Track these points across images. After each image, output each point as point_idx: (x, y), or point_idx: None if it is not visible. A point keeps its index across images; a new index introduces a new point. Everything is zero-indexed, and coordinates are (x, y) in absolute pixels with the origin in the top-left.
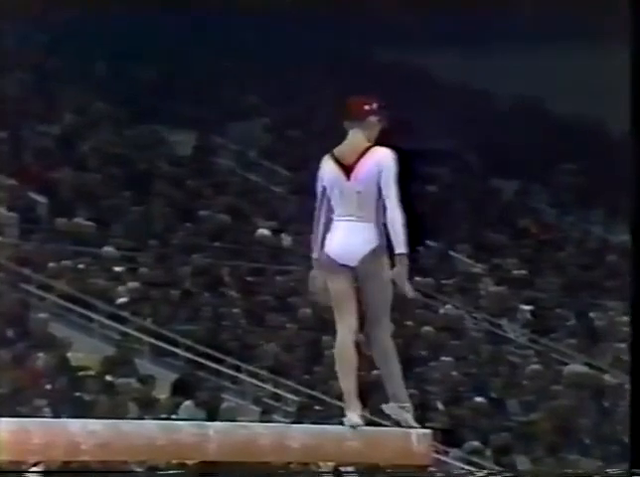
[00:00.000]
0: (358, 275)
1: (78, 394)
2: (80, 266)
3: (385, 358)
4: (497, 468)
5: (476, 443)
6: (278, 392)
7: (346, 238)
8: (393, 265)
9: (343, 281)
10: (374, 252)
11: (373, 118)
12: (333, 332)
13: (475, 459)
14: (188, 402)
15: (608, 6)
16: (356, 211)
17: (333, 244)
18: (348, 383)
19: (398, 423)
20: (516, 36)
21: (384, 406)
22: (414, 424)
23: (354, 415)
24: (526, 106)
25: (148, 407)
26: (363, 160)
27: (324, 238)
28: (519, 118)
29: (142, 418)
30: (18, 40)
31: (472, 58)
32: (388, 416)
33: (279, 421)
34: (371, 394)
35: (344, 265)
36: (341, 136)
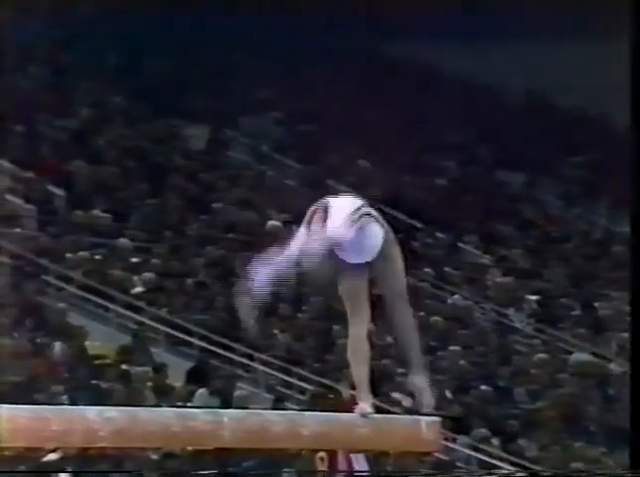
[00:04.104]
0: (372, 268)
1: (95, 381)
2: (97, 257)
3: (407, 337)
4: (505, 455)
5: (484, 431)
6: (291, 380)
7: (356, 237)
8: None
9: (357, 278)
10: (385, 243)
11: None
12: (344, 322)
13: (483, 446)
14: (202, 390)
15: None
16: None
17: (345, 246)
18: (360, 372)
19: (407, 411)
20: (523, 31)
21: (412, 377)
22: (431, 400)
23: (365, 405)
24: (533, 100)
25: (164, 395)
26: None
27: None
28: (526, 112)
29: (158, 406)
30: (34, 35)
31: (480, 52)
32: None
33: (292, 409)
34: (381, 382)
35: (357, 264)
36: (351, 131)
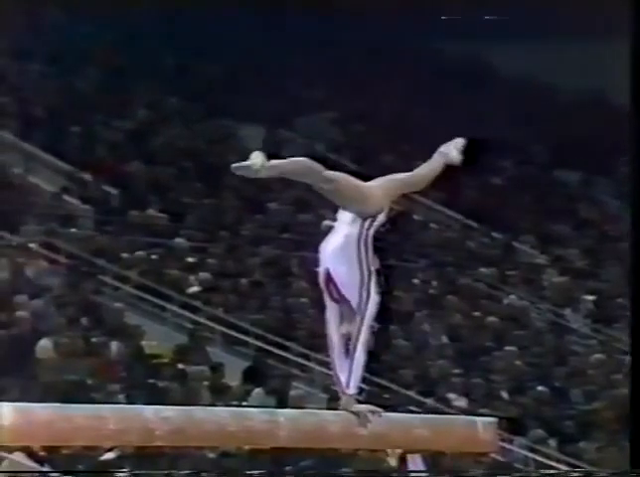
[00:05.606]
0: None
1: (151, 381)
2: (153, 257)
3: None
4: (562, 456)
5: (540, 432)
6: None
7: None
8: None
9: None
10: None
11: None
12: (400, 322)
13: (540, 447)
14: (258, 390)
15: None
16: None
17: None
18: None
19: (462, 412)
20: (578, 29)
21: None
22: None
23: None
24: (589, 98)
25: (220, 395)
26: None
27: None
28: (582, 110)
29: (214, 405)
30: (91, 37)
31: (535, 51)
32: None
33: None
34: (438, 383)
35: None
36: (406, 131)
